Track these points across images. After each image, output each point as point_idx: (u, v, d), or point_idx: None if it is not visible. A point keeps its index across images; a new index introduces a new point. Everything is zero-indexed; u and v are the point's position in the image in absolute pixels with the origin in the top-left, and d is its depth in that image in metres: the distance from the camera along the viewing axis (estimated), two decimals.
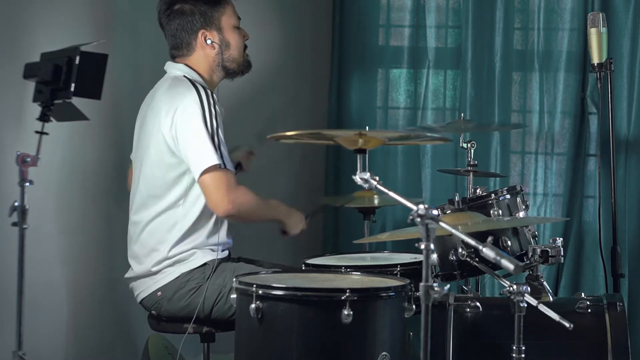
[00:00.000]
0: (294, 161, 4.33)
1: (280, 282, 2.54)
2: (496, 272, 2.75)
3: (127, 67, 3.53)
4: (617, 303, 2.76)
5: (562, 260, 2.80)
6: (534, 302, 2.43)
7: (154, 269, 3.00)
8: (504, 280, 2.61)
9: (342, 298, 2.39)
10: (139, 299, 3.08)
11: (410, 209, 2.01)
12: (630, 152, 4.17)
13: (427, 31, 4.36)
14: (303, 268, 3.01)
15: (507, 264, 1.97)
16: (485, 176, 4.02)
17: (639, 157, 4.18)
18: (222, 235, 3.06)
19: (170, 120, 2.95)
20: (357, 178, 2.27)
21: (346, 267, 2.93)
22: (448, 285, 2.11)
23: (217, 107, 2.96)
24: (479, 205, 2.99)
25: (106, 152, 3.53)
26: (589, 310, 2.76)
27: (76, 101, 2.41)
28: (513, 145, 4.34)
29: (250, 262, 3.15)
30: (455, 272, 2.89)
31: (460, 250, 2.82)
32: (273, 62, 4.27)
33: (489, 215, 2.95)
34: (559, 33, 4.26)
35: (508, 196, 3.02)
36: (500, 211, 2.96)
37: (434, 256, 2.81)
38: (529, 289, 2.37)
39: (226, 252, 3.11)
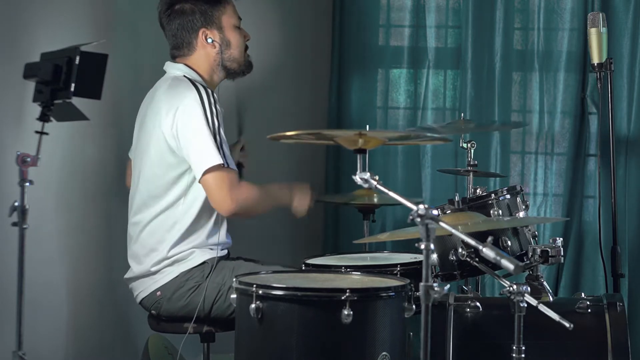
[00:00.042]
0: (293, 161, 4.33)
1: (280, 282, 2.54)
2: (496, 272, 2.75)
3: (127, 67, 3.52)
4: (617, 303, 2.76)
5: (562, 260, 2.79)
6: (534, 302, 2.43)
7: (153, 269, 3.00)
8: (504, 280, 2.61)
9: (342, 298, 2.39)
10: (138, 299, 3.08)
11: (410, 209, 2.01)
12: (630, 152, 4.17)
13: (427, 31, 4.36)
14: (303, 268, 3.00)
15: (507, 264, 1.97)
16: (485, 176, 4.02)
17: (639, 157, 4.18)
18: (222, 234, 3.06)
19: (171, 119, 2.95)
20: (357, 178, 2.27)
21: (346, 267, 2.93)
22: (448, 285, 2.11)
23: (217, 106, 2.96)
24: (479, 205, 2.99)
25: (106, 152, 3.53)
26: (589, 310, 2.76)
27: (76, 101, 2.41)
28: (513, 145, 4.34)
29: (249, 261, 3.15)
30: (455, 272, 2.89)
31: (460, 250, 2.82)
32: (273, 62, 4.27)
33: (489, 215, 2.95)
34: (559, 33, 4.25)
35: (508, 196, 3.02)
36: (500, 211, 2.96)
37: (434, 256, 2.81)
38: (529, 289, 2.36)
39: (225, 252, 3.11)
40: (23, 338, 2.36)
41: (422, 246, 1.98)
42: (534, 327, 2.52)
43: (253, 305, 2.42)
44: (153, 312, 3.06)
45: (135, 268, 3.06)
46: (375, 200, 3.18)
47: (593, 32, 3.73)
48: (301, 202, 3.13)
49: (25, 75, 2.45)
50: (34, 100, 2.44)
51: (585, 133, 4.25)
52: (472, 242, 2.06)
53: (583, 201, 4.28)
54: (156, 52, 3.29)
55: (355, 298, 2.39)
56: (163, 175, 3.00)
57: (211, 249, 3.03)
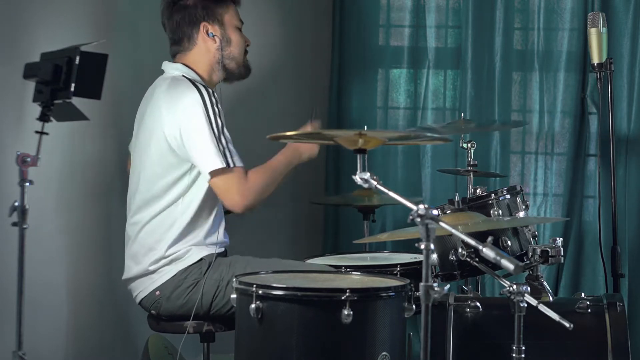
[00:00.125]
0: None
1: (280, 282, 2.54)
2: (496, 272, 2.75)
3: (127, 67, 3.52)
4: (617, 303, 2.76)
5: (562, 260, 2.80)
6: (534, 302, 2.43)
7: (152, 268, 3.00)
8: (504, 280, 2.61)
9: (342, 298, 2.39)
10: (138, 300, 3.08)
11: (410, 209, 2.01)
12: (630, 152, 4.17)
13: (427, 31, 4.36)
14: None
15: (507, 264, 1.97)
16: (485, 176, 4.02)
17: (639, 157, 4.18)
18: (220, 233, 3.07)
19: (173, 120, 2.95)
20: (357, 178, 2.27)
21: (346, 267, 2.93)
22: (448, 285, 2.11)
23: (220, 105, 2.96)
24: (479, 205, 2.99)
25: (106, 152, 3.53)
26: (589, 310, 2.76)
27: (76, 101, 2.41)
28: (513, 145, 4.34)
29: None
30: (455, 272, 2.89)
31: (460, 250, 2.82)
32: (273, 62, 4.27)
33: (489, 215, 2.95)
34: (559, 33, 4.25)
35: (508, 196, 3.02)
36: (500, 211, 2.96)
37: (434, 256, 2.82)
38: (529, 289, 2.36)
39: (222, 250, 3.11)
40: (23, 338, 2.36)
41: (422, 246, 1.98)
42: (534, 327, 2.52)
43: (253, 305, 2.42)
44: (152, 312, 3.06)
45: (133, 268, 3.06)
46: (375, 200, 3.19)
47: (593, 32, 3.73)
48: (309, 152, 3.13)
49: (25, 75, 2.45)
50: (34, 100, 2.44)
51: (585, 133, 4.25)
52: (472, 242, 2.05)
53: (583, 201, 4.28)
54: (156, 52, 3.29)
55: (355, 298, 2.39)
56: (164, 175, 3.00)
57: (208, 247, 3.03)
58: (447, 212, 2.96)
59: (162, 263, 3.00)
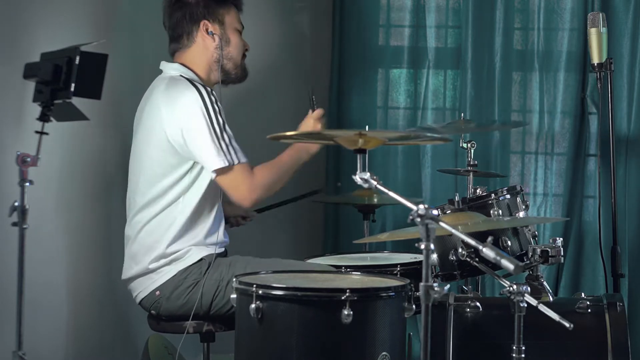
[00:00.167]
0: None
1: (280, 282, 2.54)
2: (496, 272, 2.75)
3: (127, 67, 3.52)
4: (617, 303, 2.76)
5: (562, 260, 2.80)
6: (534, 302, 2.43)
7: (152, 267, 3.00)
8: (504, 280, 2.61)
9: (342, 298, 2.39)
10: (137, 300, 3.08)
11: (410, 209, 2.01)
12: (630, 152, 4.17)
13: (427, 31, 4.36)
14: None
15: (507, 264, 1.97)
16: (485, 176, 4.02)
17: (639, 157, 4.18)
18: (220, 233, 3.07)
19: (173, 120, 2.95)
20: (357, 178, 2.28)
21: (346, 267, 2.93)
22: (448, 285, 2.11)
23: (219, 103, 2.97)
24: (479, 205, 2.99)
25: (106, 152, 3.53)
26: (589, 310, 2.76)
27: (76, 101, 2.41)
28: (513, 145, 4.34)
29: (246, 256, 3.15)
30: (455, 272, 2.89)
31: (460, 250, 2.82)
32: (273, 62, 4.27)
33: (489, 215, 2.95)
34: (559, 33, 4.25)
35: (508, 196, 3.02)
36: (500, 211, 2.96)
37: (434, 256, 2.82)
38: (529, 289, 2.36)
39: (222, 250, 3.11)
40: (23, 338, 2.36)
41: (422, 246, 1.98)
42: (534, 327, 2.52)
43: (253, 305, 2.42)
44: (153, 312, 3.06)
45: (133, 268, 3.06)
46: (375, 200, 3.19)
47: (593, 32, 3.73)
48: (312, 145, 3.13)
49: (25, 75, 2.45)
50: (34, 100, 2.44)
51: (585, 133, 4.25)
52: (472, 242, 2.05)
53: (583, 201, 4.28)
54: (156, 52, 3.29)
55: (355, 298, 2.39)
56: (164, 176, 3.00)
57: (208, 247, 3.04)
58: (447, 212, 2.95)
59: (162, 262, 3.00)
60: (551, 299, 2.82)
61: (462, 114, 3.75)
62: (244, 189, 2.95)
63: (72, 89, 2.35)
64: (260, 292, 2.43)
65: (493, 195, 3.00)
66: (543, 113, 4.28)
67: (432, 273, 2.41)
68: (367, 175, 2.26)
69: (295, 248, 4.24)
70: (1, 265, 2.93)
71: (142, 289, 3.04)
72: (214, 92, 3.01)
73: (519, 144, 4.34)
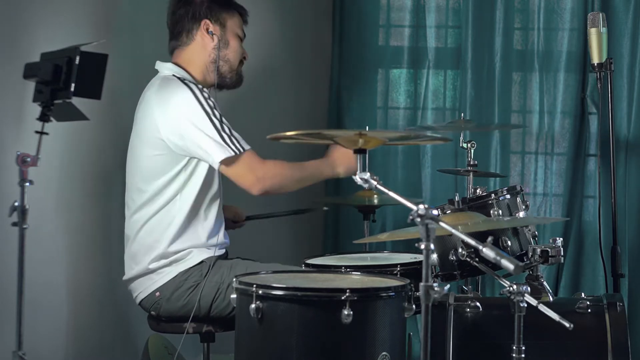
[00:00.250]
0: (293, 161, 4.32)
1: (280, 282, 2.54)
2: (496, 272, 2.75)
3: (127, 67, 3.52)
4: (617, 303, 2.76)
5: (562, 260, 2.79)
6: (534, 302, 2.43)
7: (152, 267, 3.00)
8: (504, 280, 2.61)
9: (342, 298, 2.38)
10: (138, 300, 3.08)
11: (410, 209, 2.01)
12: (630, 152, 4.17)
13: (427, 31, 4.36)
14: (303, 268, 3.00)
15: (507, 264, 1.97)
16: (485, 176, 4.02)
17: (639, 157, 4.18)
18: (220, 235, 3.07)
19: (167, 120, 2.96)
20: (357, 178, 2.28)
21: (346, 267, 2.93)
22: (448, 285, 2.11)
23: (212, 99, 2.98)
24: (479, 205, 2.98)
25: (106, 152, 3.53)
26: (589, 310, 2.76)
27: (76, 101, 2.41)
28: (513, 145, 4.34)
29: (247, 260, 3.15)
30: (455, 272, 2.89)
31: (460, 250, 2.82)
32: (273, 63, 4.27)
33: (489, 215, 2.95)
34: (559, 33, 4.25)
35: (508, 196, 3.02)
36: (500, 211, 2.96)
37: (434, 256, 2.81)
38: (529, 289, 2.36)
39: (223, 251, 3.11)
40: (23, 338, 2.36)
41: (422, 246, 1.98)
42: (534, 327, 2.52)
43: (253, 305, 2.42)
44: (153, 312, 3.06)
45: (134, 268, 3.06)
46: (375, 201, 3.18)
47: (593, 32, 3.73)
48: (343, 161, 3.10)
49: (25, 75, 2.45)
50: (34, 100, 2.44)
51: (585, 133, 4.25)
52: (472, 242, 2.05)
53: (583, 201, 4.28)
54: (156, 52, 3.29)
55: (355, 298, 2.39)
56: (161, 173, 3.00)
57: (209, 249, 3.04)
58: (447, 212, 2.95)
59: (163, 263, 3.00)
60: (551, 299, 2.82)
61: (462, 114, 3.75)
62: (251, 175, 2.95)
63: (72, 89, 2.35)
64: (260, 292, 2.43)
65: (493, 195, 3.00)
66: (543, 113, 4.27)
67: (432, 273, 2.40)
68: (367, 175, 2.26)
69: (295, 248, 4.24)
70: (1, 265, 2.93)
71: (142, 289, 3.04)
72: (206, 90, 3.02)
73: (519, 144, 4.34)
